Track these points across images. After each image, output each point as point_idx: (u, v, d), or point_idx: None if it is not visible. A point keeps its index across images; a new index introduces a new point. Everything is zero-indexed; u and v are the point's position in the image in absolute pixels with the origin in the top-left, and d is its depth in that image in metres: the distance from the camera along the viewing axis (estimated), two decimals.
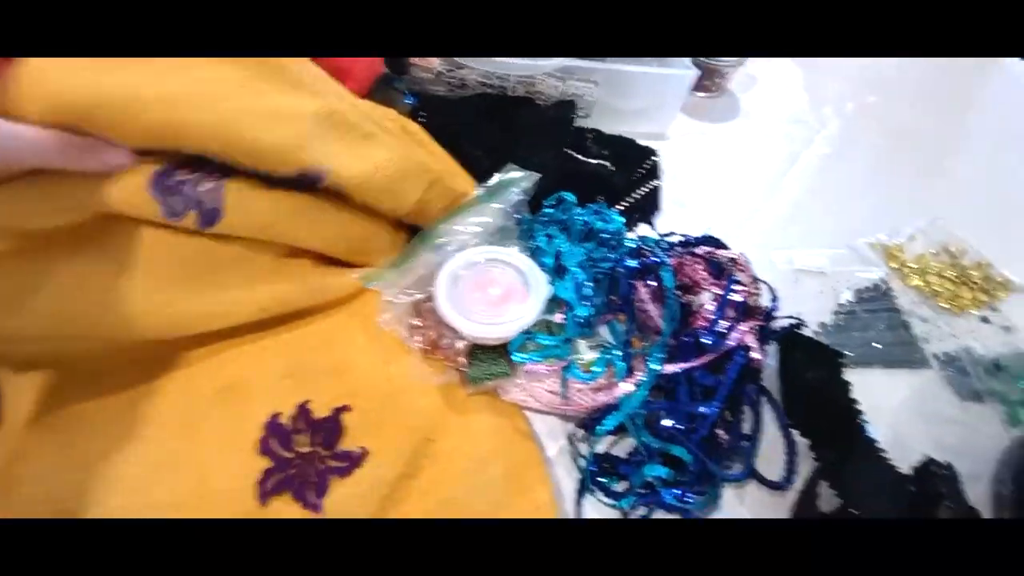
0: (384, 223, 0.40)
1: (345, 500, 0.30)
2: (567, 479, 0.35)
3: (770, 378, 0.40)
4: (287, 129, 0.31)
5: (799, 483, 0.36)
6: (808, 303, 0.45)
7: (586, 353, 0.39)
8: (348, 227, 0.37)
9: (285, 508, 0.30)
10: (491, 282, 0.37)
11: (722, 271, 0.41)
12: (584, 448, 0.35)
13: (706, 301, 0.39)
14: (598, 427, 0.35)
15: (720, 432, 0.36)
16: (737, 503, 0.35)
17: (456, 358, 0.36)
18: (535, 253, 0.41)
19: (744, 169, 0.58)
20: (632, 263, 0.40)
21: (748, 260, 0.42)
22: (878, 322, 0.45)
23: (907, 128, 0.65)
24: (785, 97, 0.68)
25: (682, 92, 0.56)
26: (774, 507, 0.35)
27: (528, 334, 0.37)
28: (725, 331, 0.37)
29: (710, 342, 0.37)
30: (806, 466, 0.36)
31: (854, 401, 0.37)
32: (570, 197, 0.46)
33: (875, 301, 0.47)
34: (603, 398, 0.36)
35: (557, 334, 0.38)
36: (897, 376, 0.42)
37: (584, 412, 0.36)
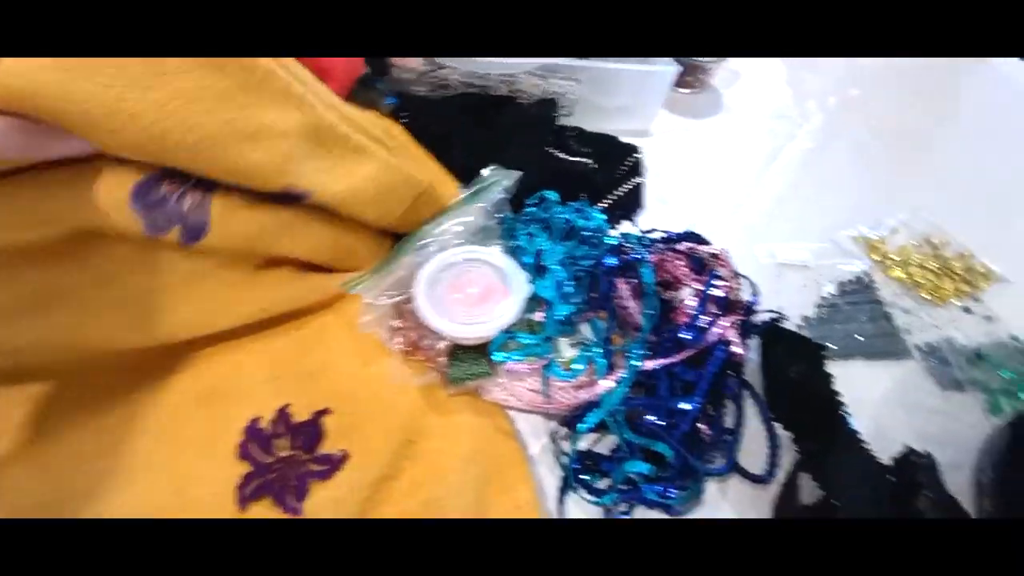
0: (369, 231, 0.40)
1: (325, 503, 0.30)
2: (550, 477, 0.35)
3: (753, 372, 0.40)
4: (270, 149, 0.30)
5: (782, 476, 0.36)
6: (791, 297, 0.45)
7: (567, 351, 0.39)
8: (333, 237, 0.37)
9: (265, 513, 0.30)
10: (470, 282, 0.37)
11: (703, 267, 0.41)
12: (567, 446, 0.35)
13: (686, 297, 0.39)
14: (579, 425, 0.35)
15: (702, 427, 0.36)
16: (720, 497, 0.35)
17: (437, 359, 0.36)
18: (516, 252, 0.41)
19: (727, 165, 0.58)
20: (612, 261, 0.40)
21: (729, 255, 0.42)
22: (860, 314, 0.45)
23: (890, 122, 0.65)
24: (768, 92, 0.68)
25: (663, 88, 0.56)
26: (757, 500, 0.35)
27: (509, 333, 0.37)
28: (705, 326, 0.37)
29: (690, 338, 0.37)
30: (789, 459, 0.36)
31: (836, 393, 0.37)
32: (552, 195, 0.46)
33: (857, 293, 0.47)
34: (584, 395, 0.36)
35: (538, 333, 0.38)
36: (879, 367, 0.43)
37: (566, 410, 0.36)
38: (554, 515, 0.33)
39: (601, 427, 0.36)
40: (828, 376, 0.38)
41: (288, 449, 0.32)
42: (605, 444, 0.36)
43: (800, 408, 0.38)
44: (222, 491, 0.30)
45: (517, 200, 0.45)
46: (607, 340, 0.39)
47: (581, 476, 0.34)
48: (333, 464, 0.31)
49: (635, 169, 0.54)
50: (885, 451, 0.35)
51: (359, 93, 0.50)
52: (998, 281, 0.48)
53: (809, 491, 0.34)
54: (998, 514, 0.34)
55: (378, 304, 0.37)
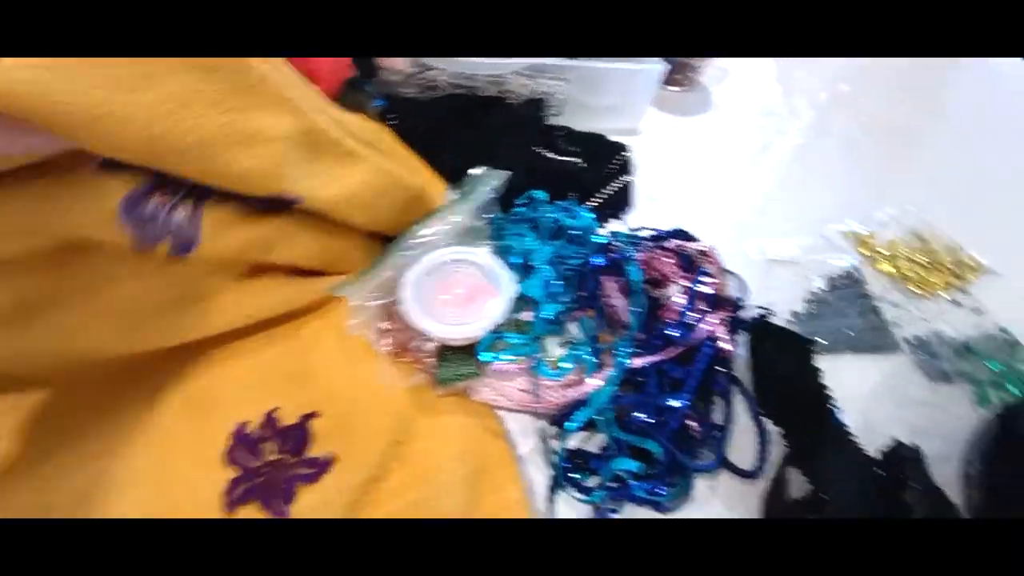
0: (359, 234, 0.40)
1: (313, 506, 0.30)
2: (540, 476, 0.35)
3: (742, 368, 0.40)
4: (263, 154, 0.30)
5: (771, 470, 0.36)
6: (781, 292, 0.45)
7: (555, 350, 0.39)
8: (323, 242, 0.37)
9: (252, 517, 0.30)
10: (456, 283, 0.37)
11: (692, 264, 0.41)
12: (556, 445, 0.35)
13: (674, 294, 0.39)
14: (568, 423, 0.35)
15: (692, 424, 0.36)
16: (709, 493, 0.35)
17: (425, 360, 0.36)
18: (504, 252, 0.41)
19: (717, 162, 0.58)
20: (599, 260, 0.40)
21: (717, 251, 0.42)
22: (850, 309, 0.45)
23: (880, 117, 0.66)
24: (758, 89, 0.68)
25: (652, 86, 0.56)
26: (746, 495, 0.35)
27: (497, 333, 0.37)
28: (693, 323, 0.37)
29: (678, 335, 0.37)
30: (778, 454, 0.36)
31: (825, 387, 0.38)
32: (541, 195, 0.46)
33: (847, 288, 0.47)
34: (573, 394, 0.36)
35: (527, 332, 0.38)
36: (868, 361, 0.43)
37: (555, 409, 0.36)
38: (544, 514, 0.33)
39: (591, 425, 0.36)
40: (817, 371, 0.38)
41: (276, 453, 0.32)
42: (595, 442, 0.36)
43: (789, 403, 0.38)
44: (209, 496, 0.30)
45: (506, 200, 0.45)
46: (595, 339, 0.39)
47: (570, 475, 0.34)
48: (320, 467, 0.31)
49: (624, 167, 0.54)
50: (874, 444, 0.35)
51: (347, 96, 0.50)
52: (986, 273, 0.48)
53: (798, 485, 0.34)
54: (985, 505, 0.34)
55: (366, 307, 0.37)
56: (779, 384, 0.38)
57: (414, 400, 0.35)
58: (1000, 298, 0.46)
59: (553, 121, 0.55)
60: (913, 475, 0.32)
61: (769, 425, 0.37)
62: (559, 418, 0.36)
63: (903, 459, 0.33)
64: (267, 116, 0.30)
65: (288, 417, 0.33)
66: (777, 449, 0.36)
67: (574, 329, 0.40)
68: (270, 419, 0.33)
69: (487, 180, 0.43)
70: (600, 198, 0.51)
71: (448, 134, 0.50)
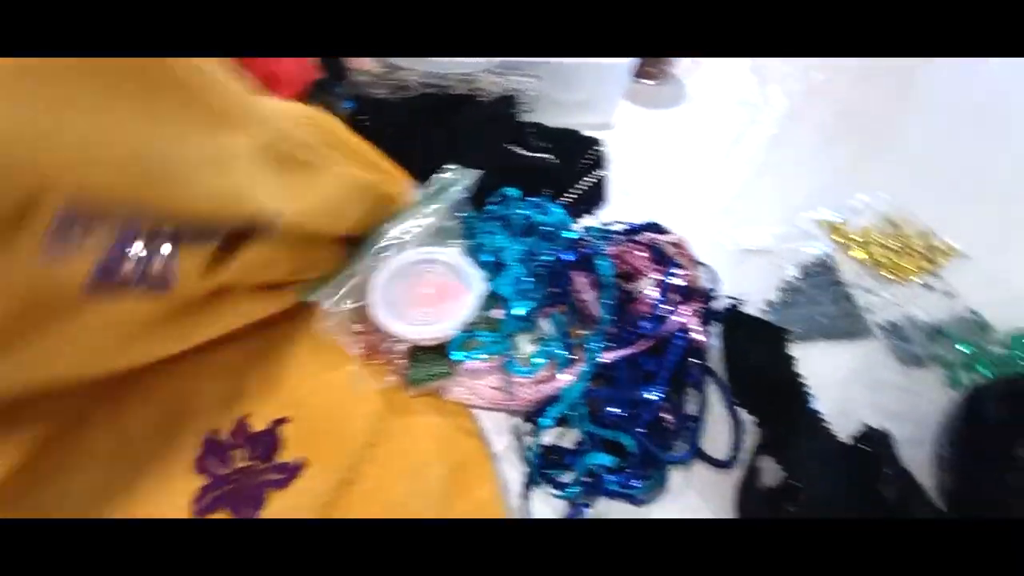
0: (329, 239, 0.39)
1: (283, 511, 0.30)
2: (515, 473, 0.35)
3: (715, 359, 0.40)
4: (231, 172, 0.27)
5: (746, 459, 0.36)
6: (755, 281, 0.46)
7: (527, 347, 0.39)
8: (292, 256, 0.36)
9: None
10: (426, 283, 0.37)
11: (664, 257, 0.41)
12: (531, 441, 0.35)
13: (645, 287, 0.39)
14: (541, 420, 0.35)
15: (666, 415, 0.36)
16: (684, 484, 0.35)
17: (397, 361, 0.36)
18: (476, 250, 0.41)
19: (691, 153, 0.58)
20: (569, 256, 0.40)
21: (688, 243, 0.42)
22: (823, 296, 0.46)
23: (854, 105, 0.66)
24: (731, 79, 0.68)
25: (623, 80, 0.56)
26: (721, 485, 0.35)
27: (469, 332, 0.37)
28: (664, 315, 0.37)
29: (649, 327, 0.37)
30: (752, 442, 0.36)
31: (798, 375, 0.38)
32: (512, 192, 0.46)
33: (820, 276, 0.47)
34: (546, 390, 0.36)
35: (498, 330, 0.38)
36: (841, 348, 0.43)
37: (528, 406, 0.36)
38: (519, 512, 0.33)
39: (564, 421, 0.36)
40: (790, 359, 0.38)
41: (246, 460, 0.32)
42: (570, 438, 0.36)
43: (762, 392, 0.38)
44: (179, 504, 0.30)
45: (479, 198, 0.45)
46: (566, 334, 0.39)
47: (545, 471, 0.34)
48: (290, 472, 0.31)
49: (598, 162, 0.54)
50: (847, 430, 0.35)
51: (316, 98, 0.50)
52: (958, 257, 0.49)
53: (772, 473, 0.34)
54: (957, 488, 0.35)
55: (336, 310, 0.37)
56: (752, 373, 0.39)
57: (387, 402, 0.35)
58: (971, 281, 0.47)
59: (525, 118, 0.55)
60: (884, 459, 0.32)
61: (743, 415, 0.37)
62: (533, 415, 0.36)
63: (874, 443, 0.33)
64: (218, 134, 0.28)
65: (259, 423, 0.33)
66: (751, 438, 0.37)
67: (546, 325, 0.40)
68: (241, 426, 0.33)
69: (457, 180, 0.43)
70: (574, 194, 0.51)
71: (419, 134, 0.50)
